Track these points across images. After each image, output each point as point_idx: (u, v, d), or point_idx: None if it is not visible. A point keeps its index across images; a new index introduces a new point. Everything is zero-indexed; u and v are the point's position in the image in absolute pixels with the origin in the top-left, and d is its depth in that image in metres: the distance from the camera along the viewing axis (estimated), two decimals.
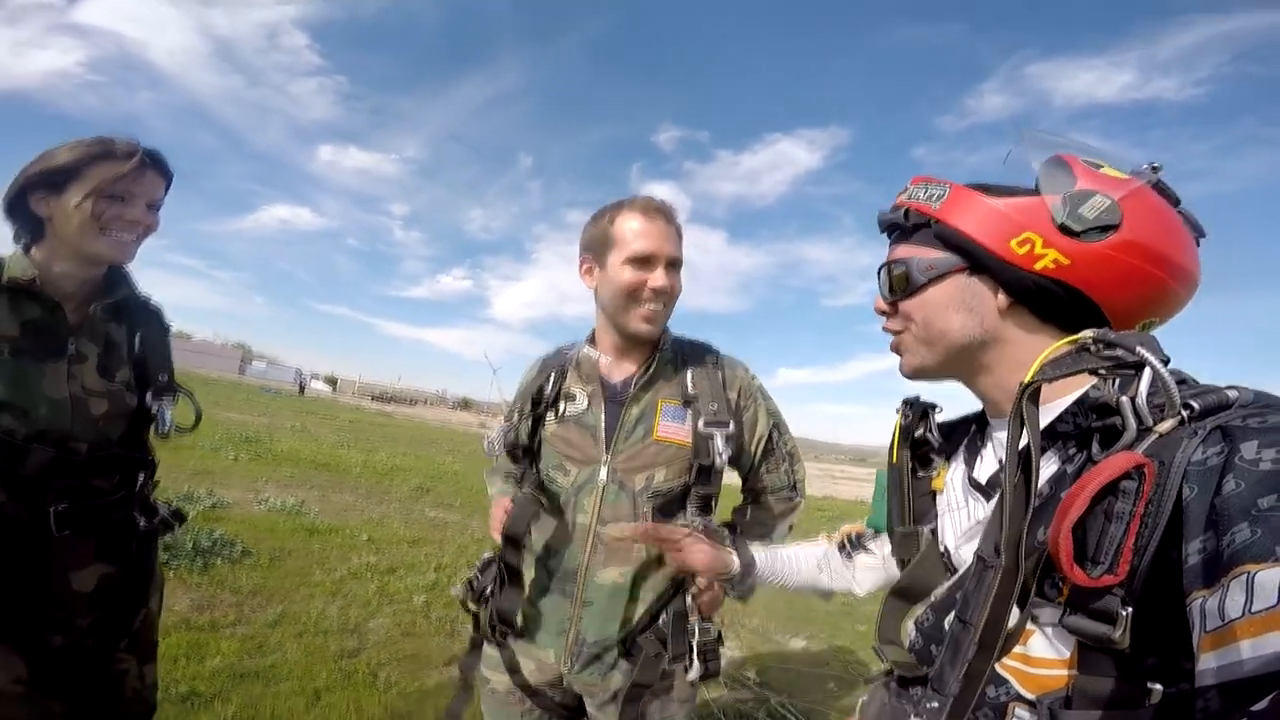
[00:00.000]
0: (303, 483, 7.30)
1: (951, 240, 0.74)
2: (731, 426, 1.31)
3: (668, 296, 1.33)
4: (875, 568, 1.10)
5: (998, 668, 0.63)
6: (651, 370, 1.35)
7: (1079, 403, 0.67)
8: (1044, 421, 0.65)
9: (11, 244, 1.28)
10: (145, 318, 1.44)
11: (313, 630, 3.18)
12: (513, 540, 1.33)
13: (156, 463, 1.46)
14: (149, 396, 1.39)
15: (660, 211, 1.33)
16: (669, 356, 1.39)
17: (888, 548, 0.94)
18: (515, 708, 1.41)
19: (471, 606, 1.43)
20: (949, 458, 0.85)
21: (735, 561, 1.27)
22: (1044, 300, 0.71)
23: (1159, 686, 0.55)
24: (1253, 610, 0.47)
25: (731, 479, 1.47)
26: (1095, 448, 0.61)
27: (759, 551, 1.24)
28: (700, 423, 1.30)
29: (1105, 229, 0.66)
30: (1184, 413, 0.56)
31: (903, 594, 0.81)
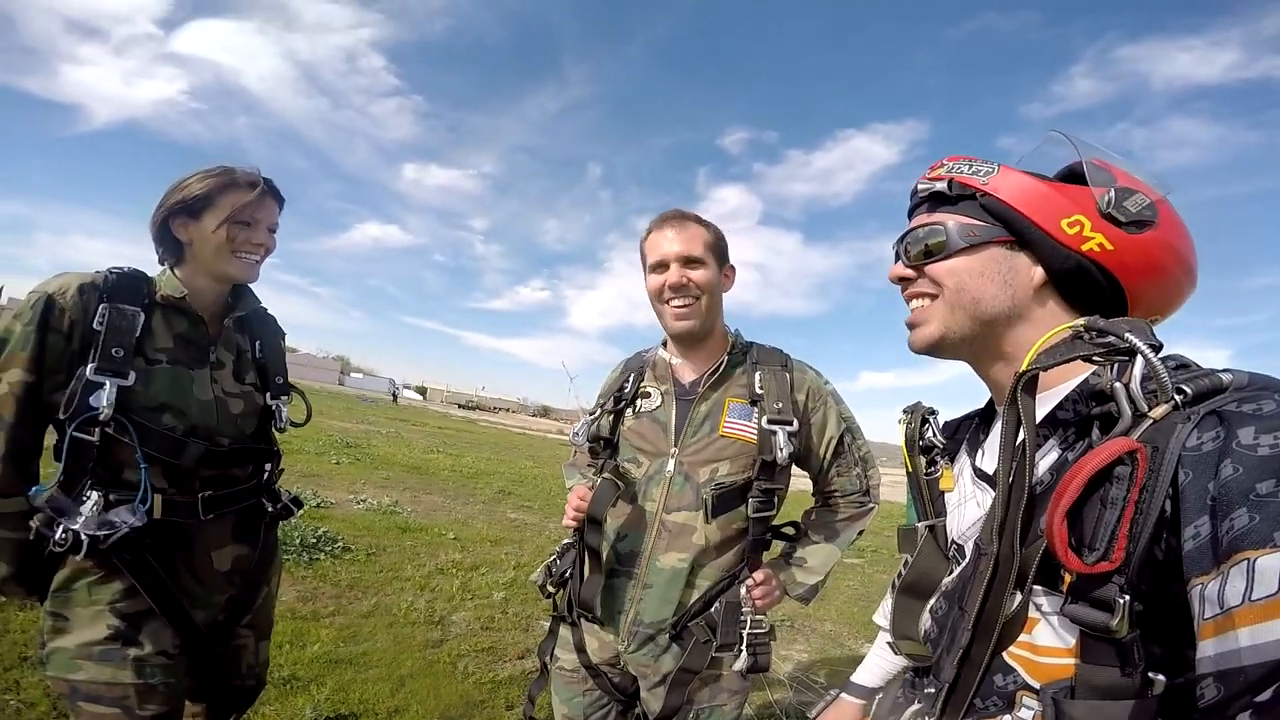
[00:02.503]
0: (396, 484, 7.64)
1: (998, 213, 0.73)
2: (795, 425, 1.32)
3: (688, 290, 1.36)
4: None
5: (1006, 657, 0.62)
6: (720, 370, 1.39)
7: (1079, 390, 0.67)
8: (1045, 409, 0.67)
9: (156, 265, 1.40)
10: (265, 328, 1.58)
11: (402, 621, 3.30)
12: (594, 521, 1.36)
13: (281, 453, 1.60)
14: (269, 396, 1.53)
15: (668, 220, 1.41)
16: (739, 358, 1.43)
17: None
18: (578, 686, 1.44)
19: (550, 589, 1.49)
20: (954, 456, 0.85)
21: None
22: (1078, 283, 0.71)
23: (1162, 677, 0.53)
24: (1253, 598, 0.46)
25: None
26: (1095, 435, 0.61)
27: (867, 673, 1.11)
28: (764, 420, 1.32)
29: (1143, 224, 0.68)
30: (1177, 398, 0.55)
31: (910, 589, 0.80)
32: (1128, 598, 0.53)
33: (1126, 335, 0.57)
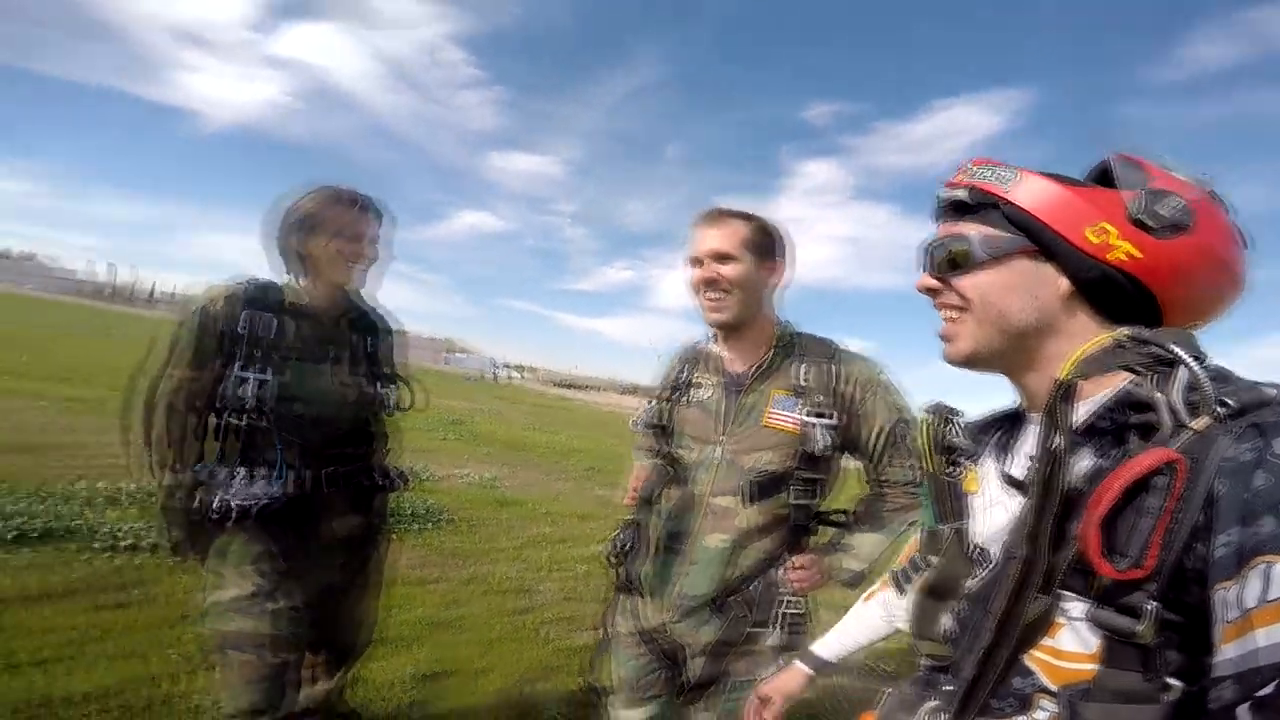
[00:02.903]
0: (496, 460, 8.15)
1: (1021, 222, 0.70)
2: (835, 418, 1.39)
3: (717, 285, 1.42)
4: None
5: (1026, 660, 0.62)
6: (767, 363, 1.47)
7: (1117, 399, 0.64)
8: (1081, 416, 0.64)
9: (283, 276, 1.68)
10: (373, 326, 1.84)
11: (495, 589, 3.62)
12: (645, 501, 1.52)
13: (388, 435, 1.86)
14: (378, 385, 1.78)
15: (707, 217, 1.47)
16: (786, 351, 1.49)
17: None
18: (632, 650, 1.58)
19: (613, 561, 1.61)
20: (978, 458, 0.84)
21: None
22: (1106, 292, 0.68)
23: (1179, 683, 0.54)
24: (1267, 598, 0.47)
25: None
26: (1134, 443, 0.59)
27: (825, 646, 1.24)
28: (804, 412, 1.39)
29: (1177, 228, 0.64)
30: (1219, 409, 0.54)
31: (932, 591, 0.80)
32: (1156, 604, 0.53)
33: (1171, 346, 0.57)
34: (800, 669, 1.24)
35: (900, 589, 1.07)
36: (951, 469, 0.83)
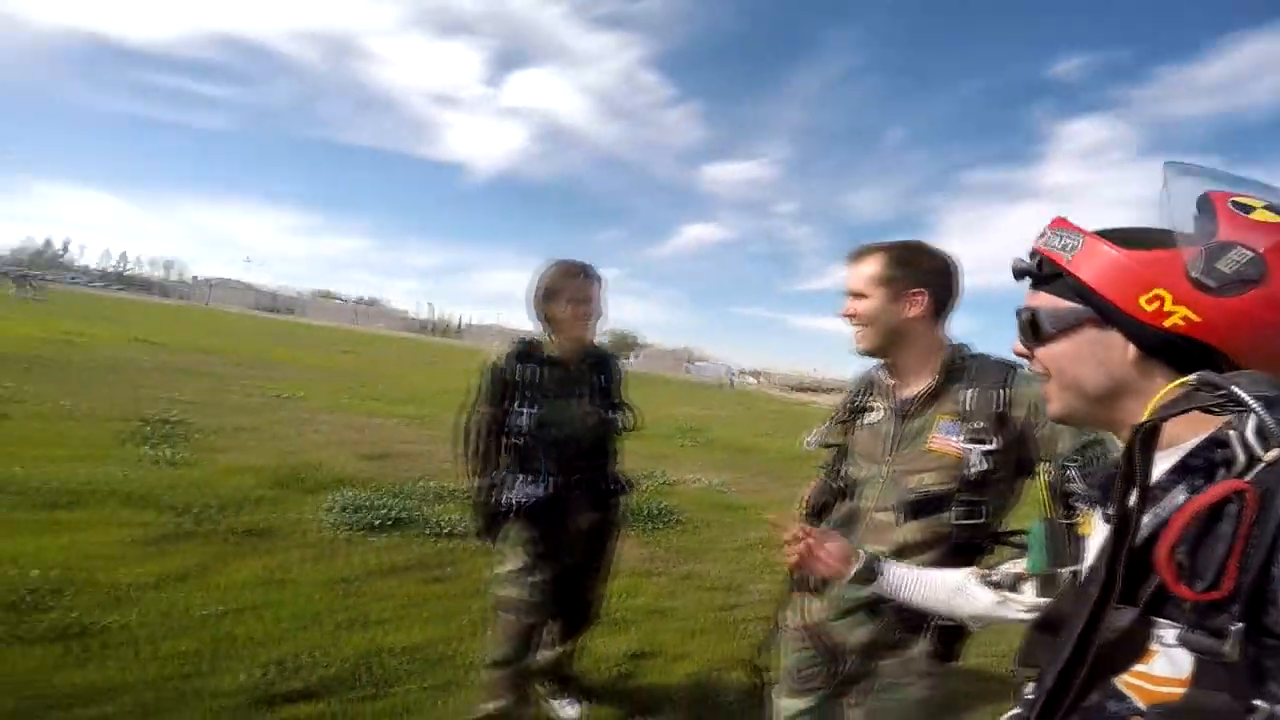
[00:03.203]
0: (728, 465, 8.53)
1: (1082, 293, 0.72)
2: (993, 444, 1.41)
3: (854, 321, 1.57)
4: (1020, 606, 1.13)
5: (1119, 685, 0.63)
6: (934, 388, 1.54)
7: (1209, 440, 0.65)
8: (1175, 458, 0.66)
9: (541, 333, 2.24)
10: (606, 365, 2.35)
11: (708, 586, 3.94)
12: (813, 512, 1.71)
13: (618, 451, 2.37)
14: (610, 411, 2.29)
15: (849, 259, 1.61)
16: (955, 375, 1.54)
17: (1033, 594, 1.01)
18: (797, 643, 1.75)
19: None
20: (1096, 504, 0.85)
21: (850, 568, 1.36)
22: (1176, 354, 0.68)
23: (1265, 704, 0.54)
24: None
25: None
26: (1220, 477, 0.60)
27: (896, 567, 1.31)
28: (962, 438, 1.45)
29: (1245, 283, 0.62)
30: None
31: (1044, 626, 0.80)
32: (1240, 625, 0.54)
33: (1232, 389, 0.58)
34: (853, 549, 1.30)
35: (985, 586, 1.15)
36: (1069, 514, 0.87)
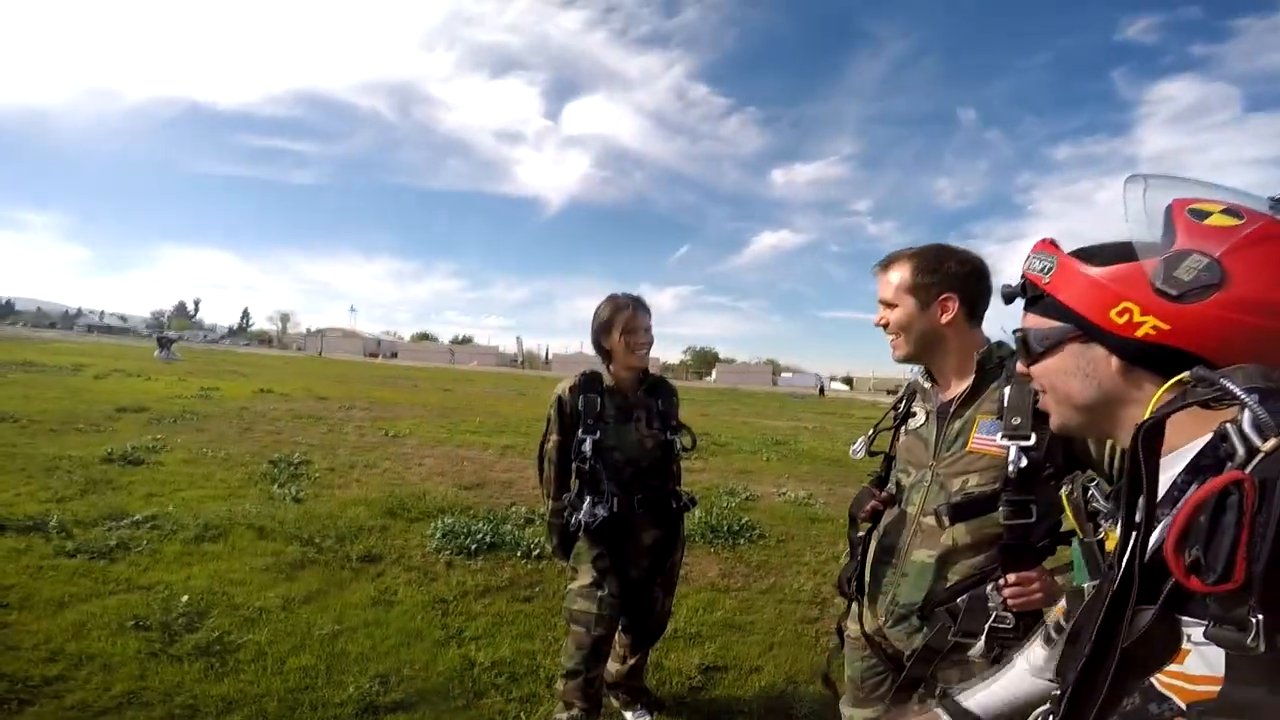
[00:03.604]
0: (816, 478, 8.32)
1: (1061, 312, 0.76)
2: (1033, 439, 1.39)
3: (890, 329, 1.59)
4: None
5: (1160, 687, 0.63)
6: (972, 388, 1.53)
7: (1216, 436, 0.65)
8: (1186, 459, 0.66)
9: (600, 364, 2.40)
10: (663, 390, 2.45)
11: (790, 599, 3.88)
12: (852, 520, 1.72)
13: (679, 472, 2.46)
14: (668, 434, 2.38)
15: (877, 268, 1.63)
16: (994, 375, 1.53)
17: None
18: (859, 652, 1.75)
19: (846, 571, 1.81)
20: (1114, 517, 0.85)
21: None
22: (1158, 362, 0.70)
23: None
24: None
25: None
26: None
27: (970, 695, 1.16)
28: (1002, 435, 1.43)
29: (1206, 288, 0.64)
30: None
31: (1072, 638, 0.81)
32: (1260, 616, 0.54)
33: (1222, 382, 0.59)
34: (937, 714, 1.16)
35: (1049, 642, 1.08)
36: (1096, 531, 0.87)
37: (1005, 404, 1.43)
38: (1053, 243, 0.79)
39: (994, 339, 1.59)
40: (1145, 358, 0.70)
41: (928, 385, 1.62)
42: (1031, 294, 0.81)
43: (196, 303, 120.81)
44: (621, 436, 2.27)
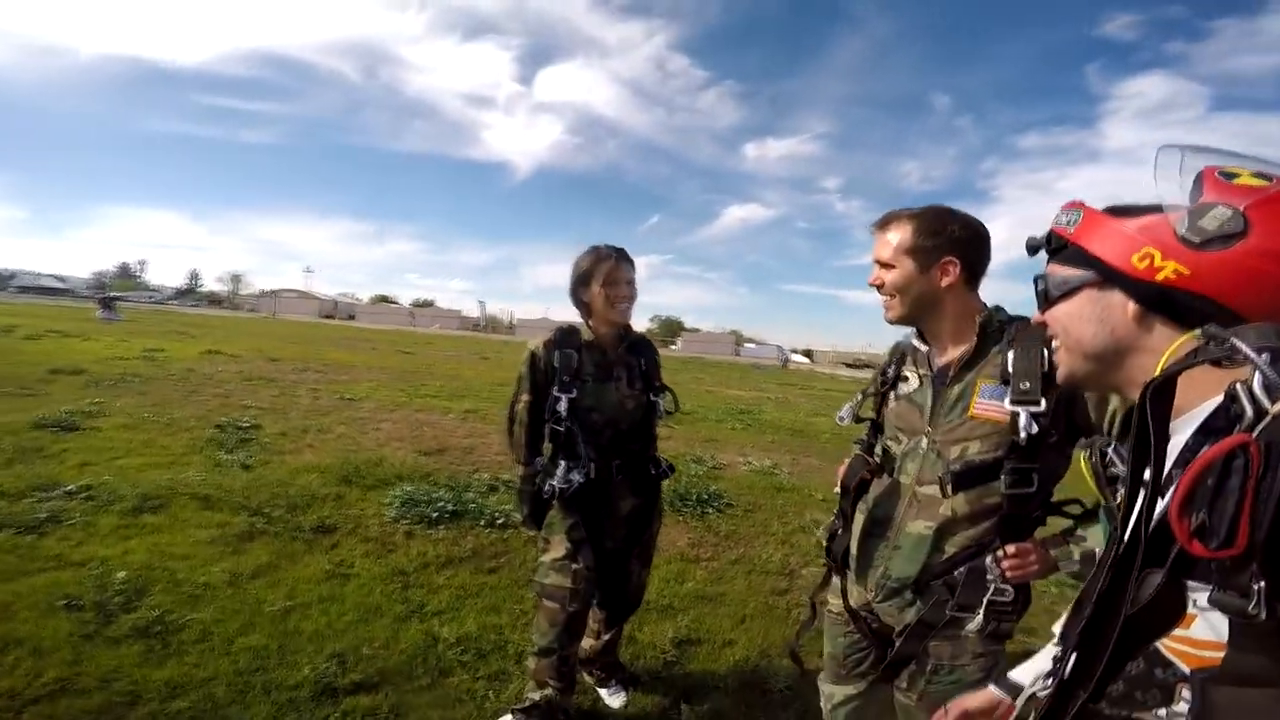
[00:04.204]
0: (779, 447, 8.40)
1: (1084, 259, 0.79)
2: (1043, 405, 1.33)
3: (882, 290, 1.51)
4: None
5: (1165, 652, 0.63)
6: (972, 352, 1.47)
7: (1227, 397, 0.65)
8: (1199, 420, 0.66)
9: (578, 318, 2.22)
10: (645, 349, 2.30)
11: (759, 570, 3.86)
12: (845, 490, 1.64)
13: (656, 435, 2.32)
14: (650, 395, 2.24)
15: (875, 227, 1.55)
16: (994, 339, 1.47)
17: None
18: (841, 628, 1.70)
19: (826, 542, 1.75)
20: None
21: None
22: (1175, 307, 0.71)
23: None
24: None
25: None
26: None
27: (1024, 672, 1.14)
28: (1008, 400, 1.37)
29: (1229, 238, 0.66)
30: None
31: (1080, 604, 0.82)
32: (1263, 583, 0.54)
33: (1233, 341, 0.59)
34: (990, 691, 1.17)
35: None
36: (1116, 494, 0.85)
37: (1011, 368, 1.37)
38: (1081, 202, 0.82)
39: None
40: (1163, 303, 0.71)
41: (923, 348, 1.55)
42: (1055, 245, 0.83)
43: (142, 263, 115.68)
44: (600, 396, 2.12)
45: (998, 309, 1.50)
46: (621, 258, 2.10)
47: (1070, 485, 1.41)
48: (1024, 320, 1.45)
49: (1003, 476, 1.37)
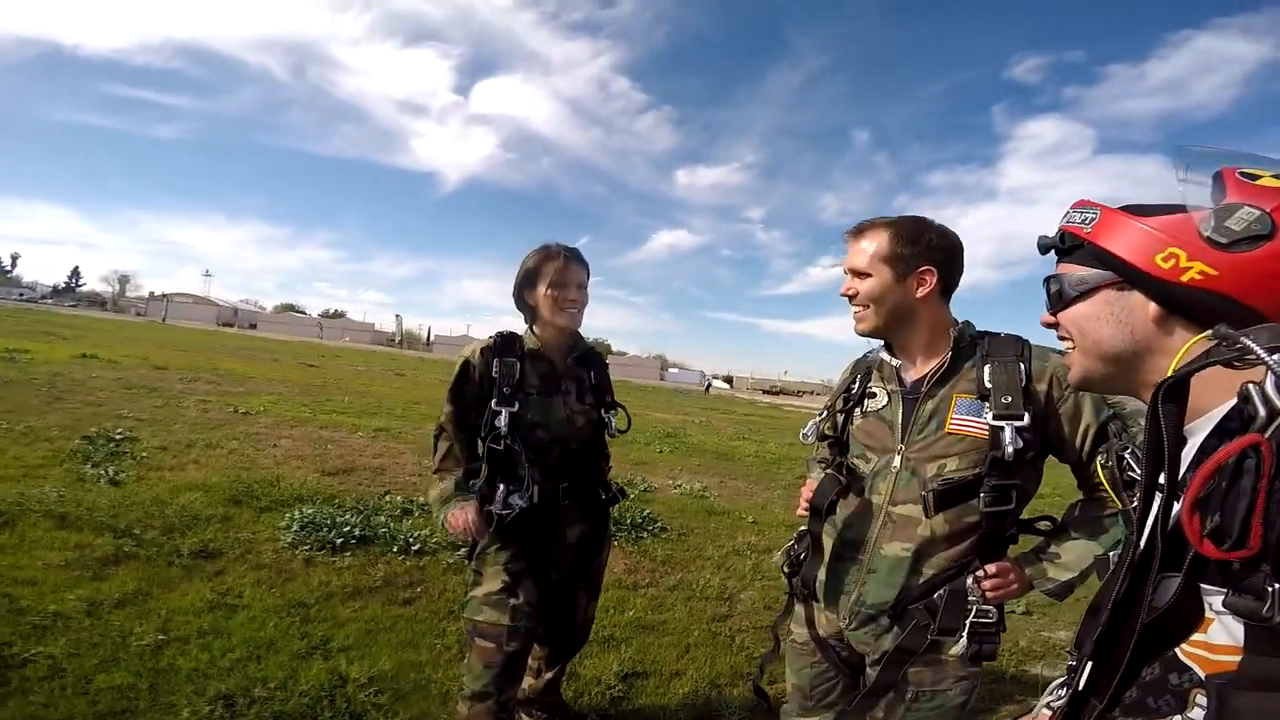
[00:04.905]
0: (707, 470, 8.39)
1: (1102, 259, 0.77)
2: (1026, 420, 1.30)
3: (855, 300, 1.46)
4: None
5: (1181, 656, 0.62)
6: (946, 366, 1.41)
7: (1241, 398, 0.63)
8: (1214, 422, 0.66)
9: (522, 325, 1.99)
10: (595, 361, 2.09)
11: (698, 596, 3.74)
12: (816, 511, 1.52)
13: (609, 454, 2.10)
14: (601, 411, 2.02)
15: (849, 232, 1.49)
16: (967, 352, 1.43)
17: None
18: (807, 658, 1.59)
19: (786, 570, 1.65)
20: None
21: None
22: (1198, 309, 0.70)
23: None
24: None
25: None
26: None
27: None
28: (991, 415, 1.32)
29: (1256, 239, 0.65)
30: None
31: (1095, 609, 0.79)
32: (1277, 585, 0.53)
33: (1245, 341, 0.58)
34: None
35: None
36: (1133, 499, 0.83)
37: (990, 382, 1.34)
38: (1094, 201, 0.80)
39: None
40: (1187, 304, 0.71)
41: (895, 363, 1.49)
42: (1069, 244, 0.81)
43: (14, 258, 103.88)
44: (547, 411, 1.90)
45: (968, 323, 1.46)
46: (573, 258, 1.90)
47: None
48: (996, 335, 1.43)
49: (981, 494, 1.32)
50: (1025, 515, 1.43)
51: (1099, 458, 0.89)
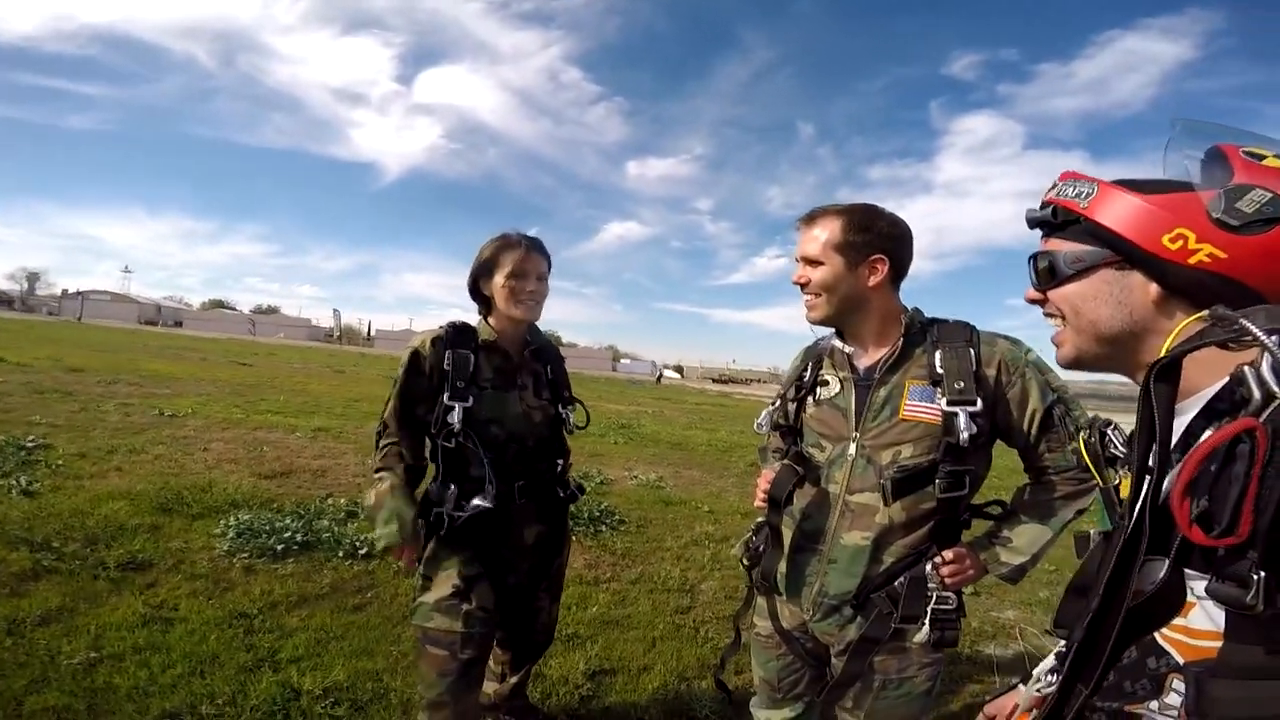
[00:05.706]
0: (661, 460, 8.40)
1: (1101, 236, 0.74)
2: (979, 405, 1.32)
3: (807, 288, 1.46)
4: None
5: (1160, 640, 0.63)
6: (897, 354, 1.43)
7: (1233, 379, 0.63)
8: (1202, 402, 0.65)
9: (476, 316, 1.91)
10: (552, 354, 2.02)
11: (660, 589, 3.73)
12: (775, 503, 1.51)
13: (569, 450, 2.04)
14: (559, 406, 1.96)
15: (800, 220, 1.49)
16: (917, 339, 1.44)
17: None
18: (772, 651, 1.60)
19: (746, 562, 1.65)
20: (1128, 463, 0.82)
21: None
22: (1200, 290, 0.68)
23: None
24: None
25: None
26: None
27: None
28: (944, 401, 1.34)
29: (1268, 222, 0.64)
30: None
31: (1079, 590, 0.79)
32: (1263, 574, 0.53)
33: (1243, 322, 0.57)
34: (1022, 690, 1.17)
35: None
36: (1115, 477, 0.83)
37: (941, 368, 1.36)
38: (1081, 174, 0.78)
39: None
40: (1191, 286, 0.69)
41: (847, 350, 1.50)
42: (1062, 219, 0.78)
43: None
44: (502, 406, 1.82)
45: (917, 310, 1.49)
46: (534, 248, 1.83)
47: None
48: (944, 321, 1.46)
49: (937, 480, 1.34)
50: (975, 500, 1.46)
51: (1081, 433, 0.90)
